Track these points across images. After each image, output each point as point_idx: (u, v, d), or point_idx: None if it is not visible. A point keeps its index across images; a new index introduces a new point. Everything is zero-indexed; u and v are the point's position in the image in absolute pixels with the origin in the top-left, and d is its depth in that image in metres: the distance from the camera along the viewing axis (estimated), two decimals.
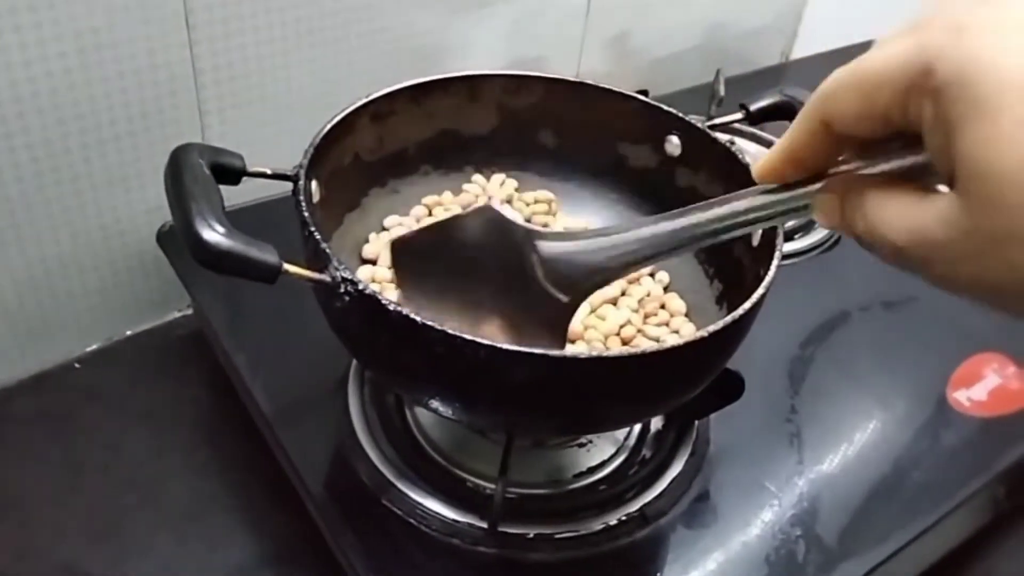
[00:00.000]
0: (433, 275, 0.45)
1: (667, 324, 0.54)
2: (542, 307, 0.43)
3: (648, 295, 0.55)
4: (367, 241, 0.55)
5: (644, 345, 0.52)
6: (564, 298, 0.42)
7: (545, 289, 0.42)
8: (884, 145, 0.28)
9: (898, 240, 0.26)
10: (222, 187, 0.43)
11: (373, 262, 0.54)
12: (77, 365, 0.65)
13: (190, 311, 0.70)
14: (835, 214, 0.29)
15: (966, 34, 0.23)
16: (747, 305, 0.41)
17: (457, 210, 0.57)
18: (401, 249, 0.46)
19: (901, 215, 0.26)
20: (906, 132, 0.26)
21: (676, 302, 0.55)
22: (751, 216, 0.34)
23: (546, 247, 0.42)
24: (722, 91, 0.86)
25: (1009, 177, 0.22)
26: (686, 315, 0.55)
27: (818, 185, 0.30)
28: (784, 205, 0.32)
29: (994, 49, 0.23)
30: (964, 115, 0.23)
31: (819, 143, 0.29)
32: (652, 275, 0.57)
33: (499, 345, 0.37)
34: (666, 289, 0.57)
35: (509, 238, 0.43)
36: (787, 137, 0.30)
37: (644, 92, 0.58)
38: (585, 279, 0.42)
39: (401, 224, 0.56)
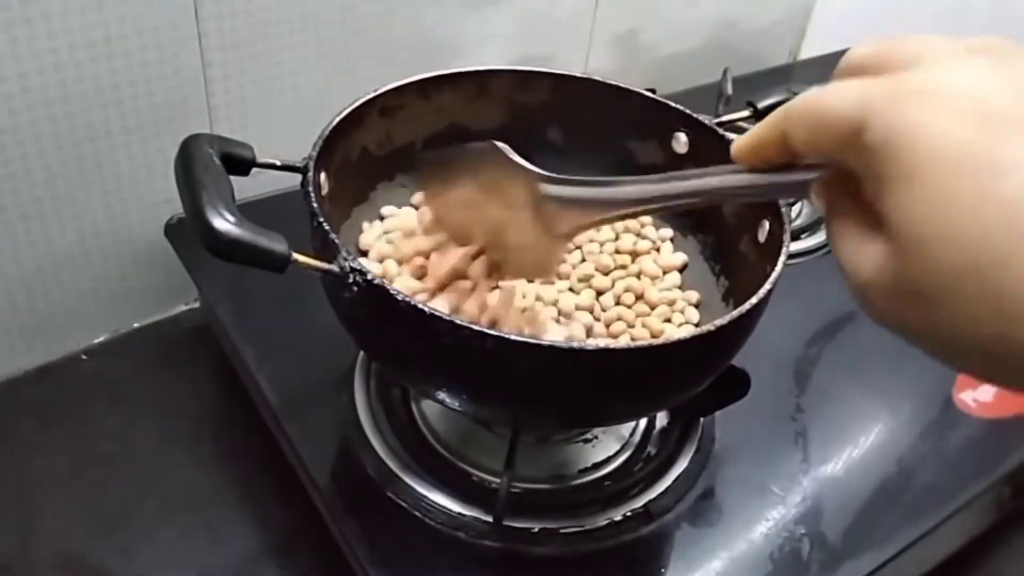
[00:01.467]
0: (451, 187, 0.50)
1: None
2: (535, 242, 0.46)
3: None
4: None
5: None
6: (557, 230, 0.45)
7: (541, 224, 0.45)
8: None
9: (846, 272, 0.27)
10: (232, 178, 0.43)
11: (365, 253, 0.54)
12: (84, 357, 0.65)
13: (197, 304, 0.70)
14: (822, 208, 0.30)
15: (898, 99, 0.24)
16: (754, 300, 0.41)
17: None
18: (424, 160, 0.52)
19: (849, 250, 0.27)
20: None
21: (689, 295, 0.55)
22: (732, 192, 0.36)
23: (546, 188, 0.45)
24: (730, 90, 0.85)
25: (926, 241, 0.23)
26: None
27: (809, 175, 0.31)
28: (769, 184, 0.33)
29: (919, 120, 0.24)
30: (890, 177, 0.24)
31: (780, 151, 0.30)
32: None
33: (507, 336, 0.38)
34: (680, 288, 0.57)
35: (514, 176, 0.46)
36: (756, 131, 0.31)
37: (652, 91, 0.58)
38: (576, 220, 0.44)
39: (395, 215, 0.56)
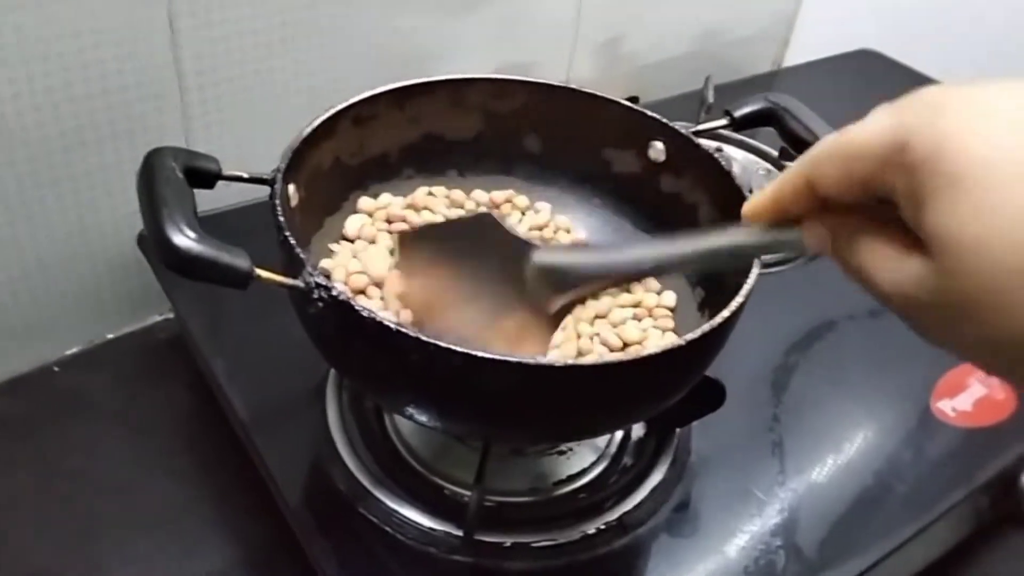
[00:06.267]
0: (435, 271, 0.48)
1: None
2: (530, 314, 0.45)
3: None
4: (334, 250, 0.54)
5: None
6: (550, 308, 0.45)
7: (534, 298, 0.45)
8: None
9: (884, 289, 0.27)
10: (201, 191, 0.43)
11: None
12: (56, 369, 0.65)
13: (172, 315, 0.69)
14: (825, 246, 0.30)
15: (940, 115, 0.25)
16: (725, 313, 0.41)
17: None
18: (405, 242, 0.49)
19: (886, 267, 0.27)
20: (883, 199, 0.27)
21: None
22: (736, 251, 0.36)
23: (539, 257, 0.45)
24: (711, 98, 0.85)
25: (972, 248, 0.24)
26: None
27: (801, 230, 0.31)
28: (770, 240, 0.33)
29: (964, 130, 0.24)
30: (934, 189, 0.24)
31: (804, 199, 0.30)
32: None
33: (473, 352, 0.37)
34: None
35: (506, 246, 0.46)
36: (775, 187, 0.31)
37: (634, 99, 0.58)
38: (569, 289, 0.44)
39: (364, 226, 0.55)
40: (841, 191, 0.29)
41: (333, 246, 0.53)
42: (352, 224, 0.54)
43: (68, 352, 0.66)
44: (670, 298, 0.54)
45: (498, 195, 0.59)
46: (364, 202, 0.56)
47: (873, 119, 0.27)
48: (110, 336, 0.67)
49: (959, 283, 0.24)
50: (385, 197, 0.56)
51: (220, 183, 0.45)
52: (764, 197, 0.32)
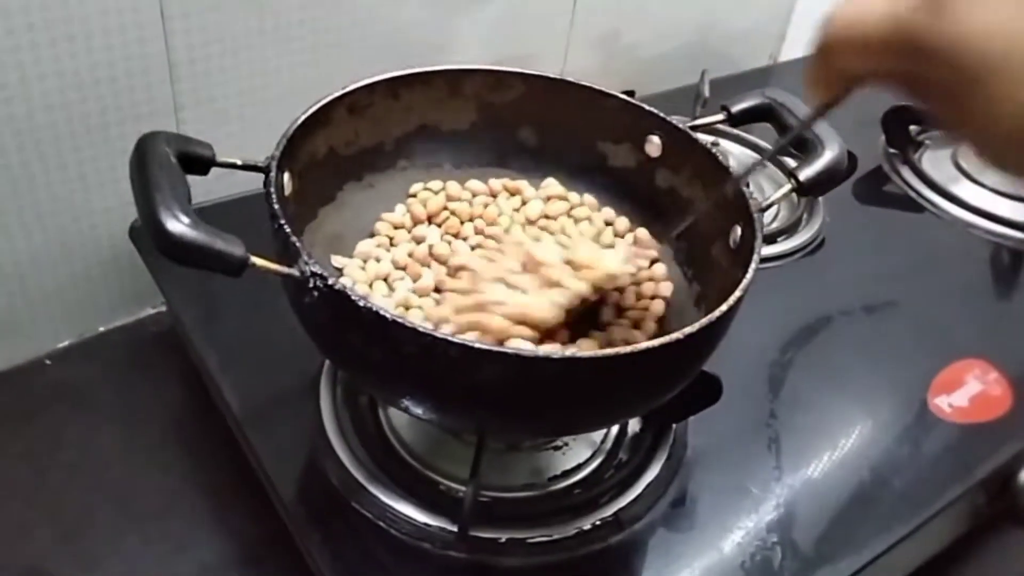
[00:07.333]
0: None
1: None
2: None
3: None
4: (339, 238, 0.54)
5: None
6: None
7: None
8: None
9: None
10: (194, 178, 0.42)
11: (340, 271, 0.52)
12: (48, 362, 0.64)
13: (164, 308, 0.69)
14: None
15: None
16: (723, 308, 0.40)
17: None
18: None
19: None
20: None
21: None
22: None
23: None
24: (707, 92, 0.85)
25: None
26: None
27: None
28: None
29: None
30: None
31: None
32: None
33: (470, 343, 0.37)
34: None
35: None
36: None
37: (631, 92, 0.57)
38: None
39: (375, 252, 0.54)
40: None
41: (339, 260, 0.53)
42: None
43: (60, 345, 0.65)
44: (666, 288, 0.54)
45: (495, 183, 0.58)
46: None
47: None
48: (102, 329, 0.67)
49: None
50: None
51: (215, 173, 0.45)
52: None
